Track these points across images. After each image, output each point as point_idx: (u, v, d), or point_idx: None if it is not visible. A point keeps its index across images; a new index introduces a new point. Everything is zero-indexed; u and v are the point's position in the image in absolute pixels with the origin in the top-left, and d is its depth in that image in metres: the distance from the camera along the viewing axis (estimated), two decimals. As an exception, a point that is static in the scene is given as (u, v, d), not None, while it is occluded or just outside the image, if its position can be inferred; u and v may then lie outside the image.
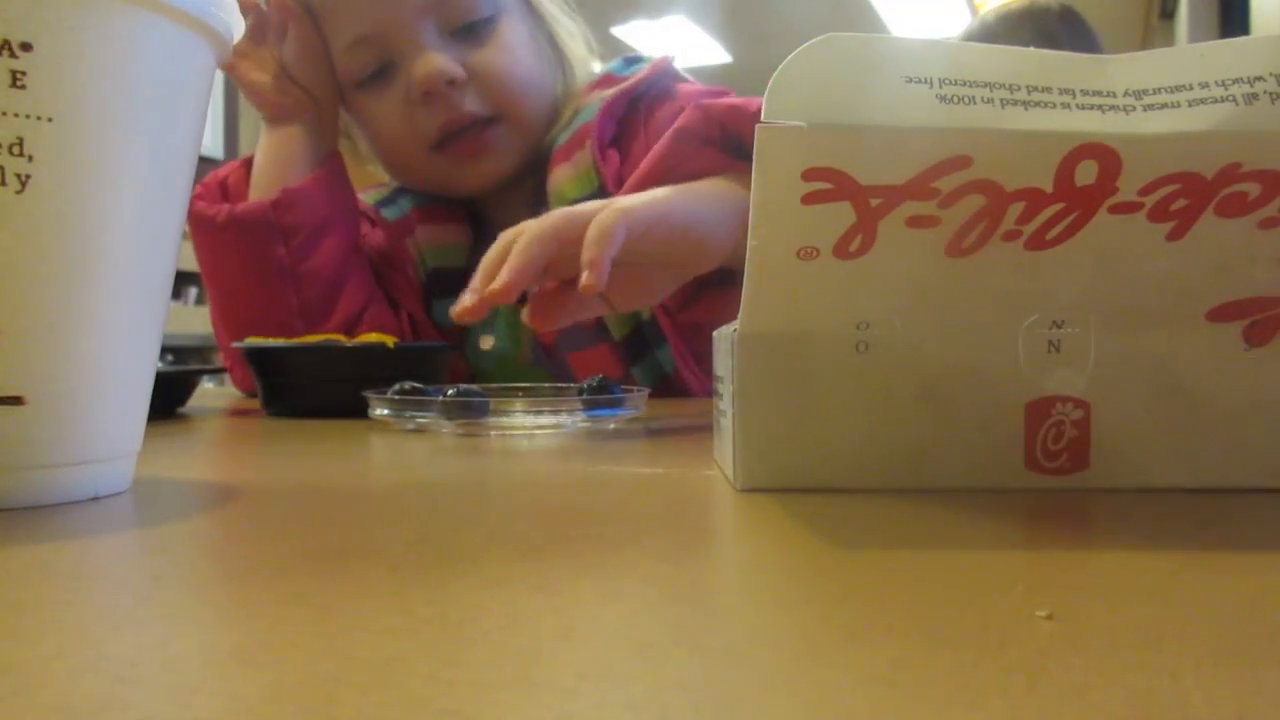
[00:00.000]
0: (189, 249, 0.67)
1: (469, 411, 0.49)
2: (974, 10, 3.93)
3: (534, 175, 0.81)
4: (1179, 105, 0.24)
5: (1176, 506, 0.27)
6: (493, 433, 0.48)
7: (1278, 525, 0.25)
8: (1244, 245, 0.26)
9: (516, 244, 0.49)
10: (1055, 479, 0.29)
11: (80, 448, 0.28)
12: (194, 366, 0.77)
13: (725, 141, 0.60)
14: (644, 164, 0.62)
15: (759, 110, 0.59)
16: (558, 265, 0.50)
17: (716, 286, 0.63)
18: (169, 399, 0.62)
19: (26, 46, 0.25)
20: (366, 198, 0.87)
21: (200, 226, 0.73)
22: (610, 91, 0.79)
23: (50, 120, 0.25)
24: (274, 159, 0.77)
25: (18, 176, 0.25)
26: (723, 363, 0.32)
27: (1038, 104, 0.24)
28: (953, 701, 0.13)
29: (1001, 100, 0.24)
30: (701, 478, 0.32)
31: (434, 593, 0.18)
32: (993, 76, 0.24)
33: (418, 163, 0.79)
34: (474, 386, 0.52)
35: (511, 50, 0.77)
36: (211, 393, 0.95)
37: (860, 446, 0.29)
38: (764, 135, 0.24)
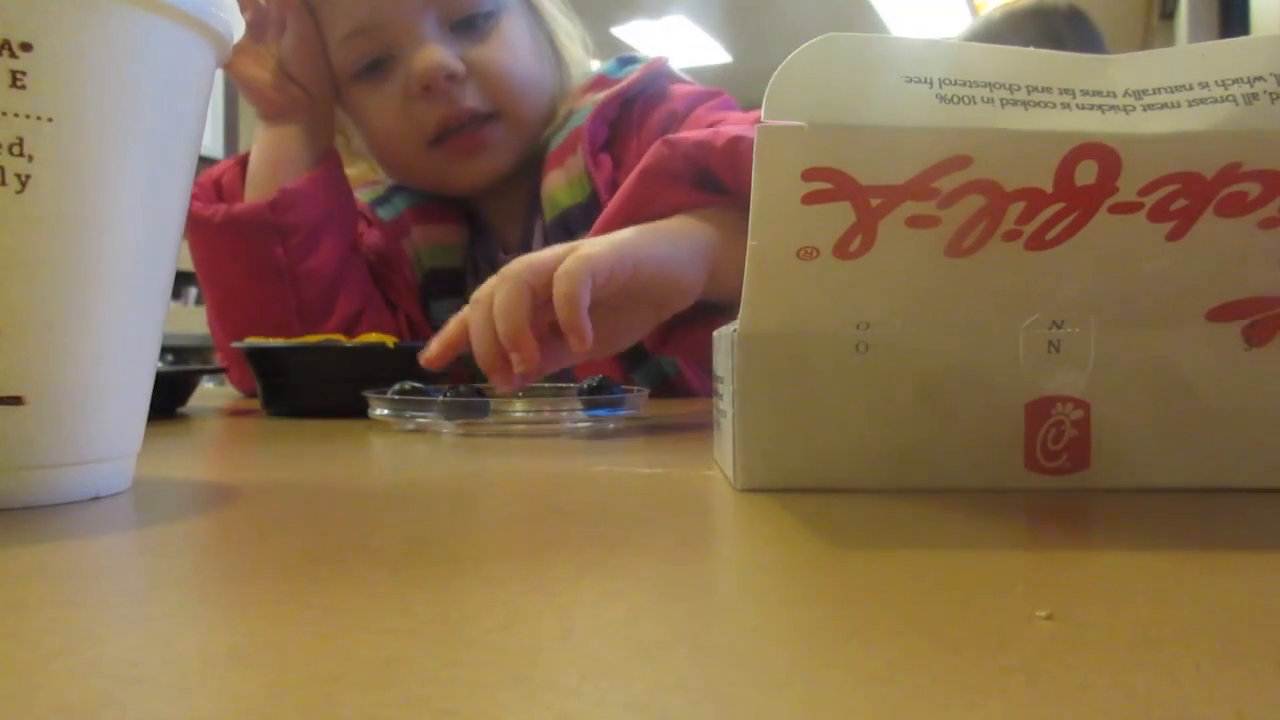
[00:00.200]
0: (187, 249, 0.67)
1: (469, 411, 0.49)
2: (974, 10, 3.93)
3: (529, 177, 0.81)
4: (1179, 105, 0.24)
5: (1176, 506, 0.27)
6: (493, 433, 0.48)
7: (1278, 525, 0.25)
8: (1244, 245, 0.26)
9: (497, 306, 0.47)
10: (1055, 479, 0.29)
11: (80, 448, 0.28)
12: (194, 366, 0.77)
13: (693, 176, 0.59)
14: (611, 204, 0.60)
15: (729, 142, 0.57)
16: (534, 317, 0.49)
17: (690, 322, 0.62)
18: (169, 399, 0.62)
19: (26, 46, 0.25)
20: (362, 196, 0.86)
21: (196, 227, 0.72)
22: (602, 95, 0.78)
23: (50, 120, 0.25)
24: (270, 157, 0.76)
25: (18, 176, 0.25)
26: (723, 363, 0.32)
27: (1038, 104, 0.24)
28: (953, 701, 0.13)
29: (1001, 100, 0.24)
30: (701, 478, 0.32)
31: (434, 593, 0.18)
32: (993, 76, 0.24)
33: (414, 159, 0.78)
34: (476, 386, 0.52)
35: (512, 47, 0.77)
36: (211, 393, 0.95)
37: (860, 446, 0.29)
38: (764, 135, 0.24)
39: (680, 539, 0.24)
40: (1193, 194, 0.25)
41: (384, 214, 0.85)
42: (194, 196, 0.75)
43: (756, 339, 0.29)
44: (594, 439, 0.46)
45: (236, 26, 0.31)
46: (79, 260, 0.26)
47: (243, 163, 0.79)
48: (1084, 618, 0.16)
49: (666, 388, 0.76)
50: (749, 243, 0.26)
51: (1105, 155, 0.24)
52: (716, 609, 0.18)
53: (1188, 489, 0.28)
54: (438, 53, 0.72)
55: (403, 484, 0.33)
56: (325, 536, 0.24)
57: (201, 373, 0.70)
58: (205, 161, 0.57)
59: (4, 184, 0.25)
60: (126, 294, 0.28)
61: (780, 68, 0.24)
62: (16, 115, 0.25)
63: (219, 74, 0.33)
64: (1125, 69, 0.25)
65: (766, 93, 0.24)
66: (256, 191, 0.75)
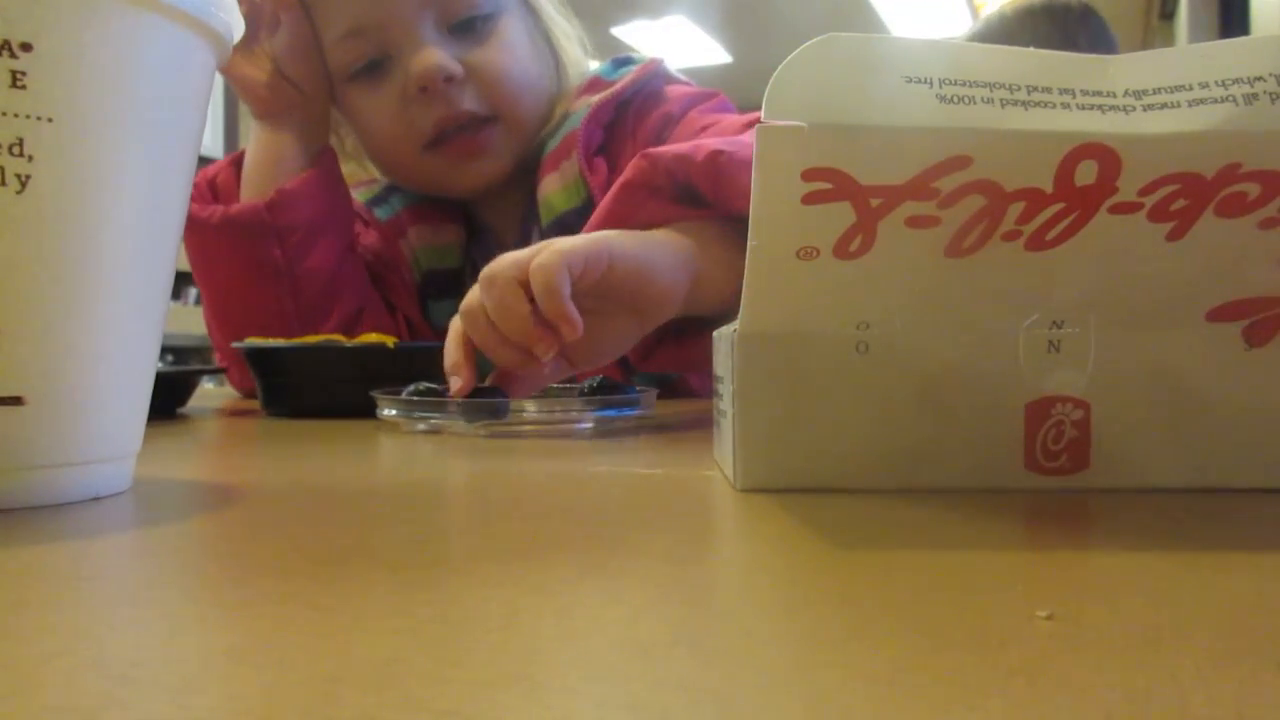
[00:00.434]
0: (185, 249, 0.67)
1: (489, 413, 0.48)
2: (974, 10, 3.93)
3: (525, 180, 0.80)
4: (1179, 105, 0.24)
5: (1176, 506, 0.27)
6: (503, 433, 0.48)
7: (1278, 525, 0.25)
8: (1244, 245, 0.26)
9: (492, 312, 0.47)
10: (1055, 479, 0.29)
11: (80, 448, 0.28)
12: (194, 366, 0.77)
13: (674, 190, 0.58)
14: (593, 217, 0.59)
15: (709, 156, 0.57)
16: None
17: (674, 337, 0.61)
18: (169, 399, 0.62)
19: (26, 46, 0.25)
20: (358, 196, 0.86)
21: (193, 228, 0.72)
22: (597, 98, 0.78)
23: (50, 120, 0.25)
24: (265, 157, 0.76)
25: (18, 176, 0.25)
26: (723, 363, 0.32)
27: (1038, 104, 0.24)
28: (953, 701, 0.13)
29: (1001, 100, 0.24)
30: (701, 478, 0.32)
31: (434, 593, 0.18)
32: (993, 76, 0.24)
33: (411, 161, 0.78)
34: (485, 385, 0.51)
35: (511, 49, 0.76)
36: (211, 393, 0.95)
37: (860, 446, 0.29)
38: (764, 135, 0.24)
39: (680, 539, 0.24)
40: (1193, 194, 0.25)
41: (381, 214, 0.85)
42: (190, 198, 0.75)
43: (756, 339, 0.29)
44: (594, 440, 0.46)
45: (236, 26, 0.31)
46: (79, 260, 0.26)
47: (237, 163, 0.78)
48: (1084, 618, 0.16)
49: (667, 389, 0.76)
50: (749, 243, 0.26)
51: (1105, 155, 0.24)
52: (716, 609, 0.18)
53: (1188, 489, 0.28)
54: (436, 54, 0.72)
55: (403, 484, 0.33)
56: (325, 536, 0.24)
57: (201, 373, 0.70)
58: (204, 161, 0.56)
59: (4, 184, 0.25)
60: (126, 294, 0.28)
61: (780, 68, 0.24)
62: (16, 115, 0.25)
63: (218, 74, 0.33)
64: (1125, 69, 0.25)
65: (766, 93, 0.24)
66: (252, 192, 0.75)
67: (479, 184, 0.79)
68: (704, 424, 0.43)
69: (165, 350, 0.54)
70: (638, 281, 0.50)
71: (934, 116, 0.24)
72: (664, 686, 0.13)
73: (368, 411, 0.54)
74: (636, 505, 0.28)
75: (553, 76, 0.81)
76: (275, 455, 0.43)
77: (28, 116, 0.25)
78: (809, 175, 0.24)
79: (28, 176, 0.25)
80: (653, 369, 0.65)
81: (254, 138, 0.77)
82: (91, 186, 0.26)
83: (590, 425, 0.50)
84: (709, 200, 0.57)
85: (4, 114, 0.24)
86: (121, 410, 0.29)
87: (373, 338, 0.61)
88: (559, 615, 0.17)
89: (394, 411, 0.51)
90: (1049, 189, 0.25)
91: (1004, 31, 1.31)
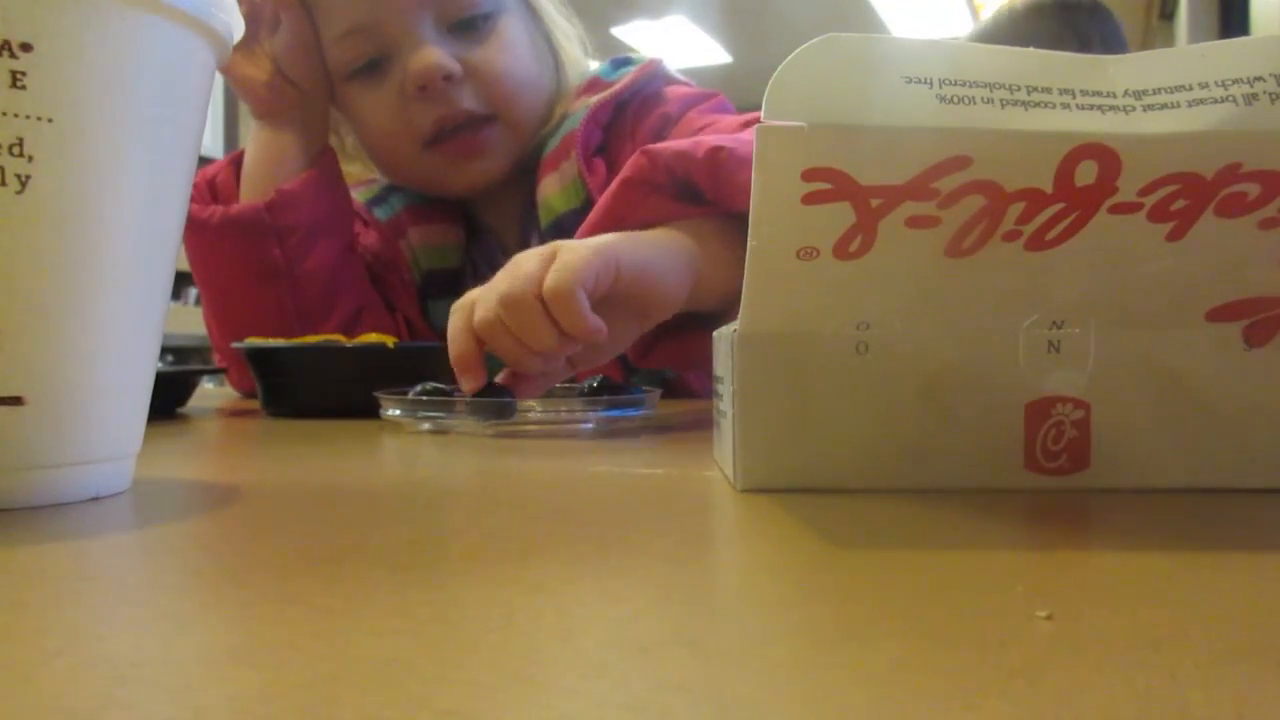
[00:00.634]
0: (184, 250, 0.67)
1: (497, 412, 0.48)
2: (974, 10, 3.93)
3: (525, 180, 0.80)
4: (1179, 105, 0.24)
5: (1176, 506, 0.27)
6: (507, 433, 0.48)
7: (1278, 525, 0.25)
8: (1244, 245, 0.26)
9: (522, 335, 0.47)
10: (1055, 479, 0.29)
11: (80, 448, 0.28)
12: (194, 366, 0.77)
13: (673, 188, 0.58)
14: (592, 214, 0.59)
15: (708, 153, 0.57)
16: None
17: (673, 334, 0.61)
18: (169, 399, 0.62)
19: (26, 47, 0.25)
20: (358, 196, 0.86)
21: (192, 228, 0.72)
22: (595, 98, 0.78)
23: (50, 120, 0.25)
24: (265, 157, 0.76)
25: (18, 177, 0.25)
26: (723, 363, 0.32)
27: (1038, 104, 0.24)
28: (953, 701, 0.13)
29: (1001, 100, 0.24)
30: (701, 478, 0.32)
31: (434, 593, 0.18)
32: (993, 76, 0.24)
33: (409, 160, 0.78)
34: (494, 384, 0.50)
35: (510, 49, 0.76)
36: (211, 393, 0.95)
37: (860, 446, 0.29)
38: (764, 135, 0.24)
39: (680, 539, 0.24)
40: (1192, 194, 0.25)
41: (380, 214, 0.85)
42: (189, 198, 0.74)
43: (756, 339, 0.29)
44: (595, 440, 0.46)
45: (236, 26, 0.31)
46: (79, 260, 0.26)
47: (236, 162, 0.78)
48: (1084, 618, 0.16)
49: (668, 389, 0.76)
50: (749, 243, 0.26)
51: (1105, 155, 0.24)
52: (716, 609, 0.18)
53: (1188, 489, 0.28)
54: (435, 54, 0.71)
55: (403, 484, 0.33)
56: (325, 536, 0.24)
57: (201, 373, 0.70)
58: (204, 161, 0.57)
59: (4, 184, 0.25)
60: (126, 294, 0.28)
61: (780, 68, 0.24)
62: (16, 115, 0.25)
63: (218, 73, 0.33)
64: (1125, 69, 0.25)
65: (766, 93, 0.24)
66: (252, 192, 0.75)
67: (478, 183, 0.79)
68: (704, 424, 0.43)
69: (165, 350, 0.54)
70: (643, 287, 0.51)
71: (934, 116, 0.24)
72: (664, 686, 0.13)
73: (368, 411, 0.54)
74: (636, 505, 0.28)
75: (552, 76, 0.81)
76: (275, 455, 0.43)
77: (28, 116, 0.25)
78: (809, 175, 0.24)
79: (28, 176, 0.25)
80: (652, 365, 0.65)
81: (253, 138, 0.77)
82: (91, 186, 0.26)
83: (591, 425, 0.50)
84: (709, 197, 0.57)
85: (4, 114, 0.24)
86: (121, 410, 0.29)
87: (373, 338, 0.61)
88: (559, 615, 0.17)
89: (398, 411, 0.51)
90: (1049, 189, 0.25)
91: (1014, 28, 1.31)
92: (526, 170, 0.80)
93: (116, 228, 0.27)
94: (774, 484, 0.29)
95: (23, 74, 0.25)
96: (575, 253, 0.47)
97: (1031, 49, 0.25)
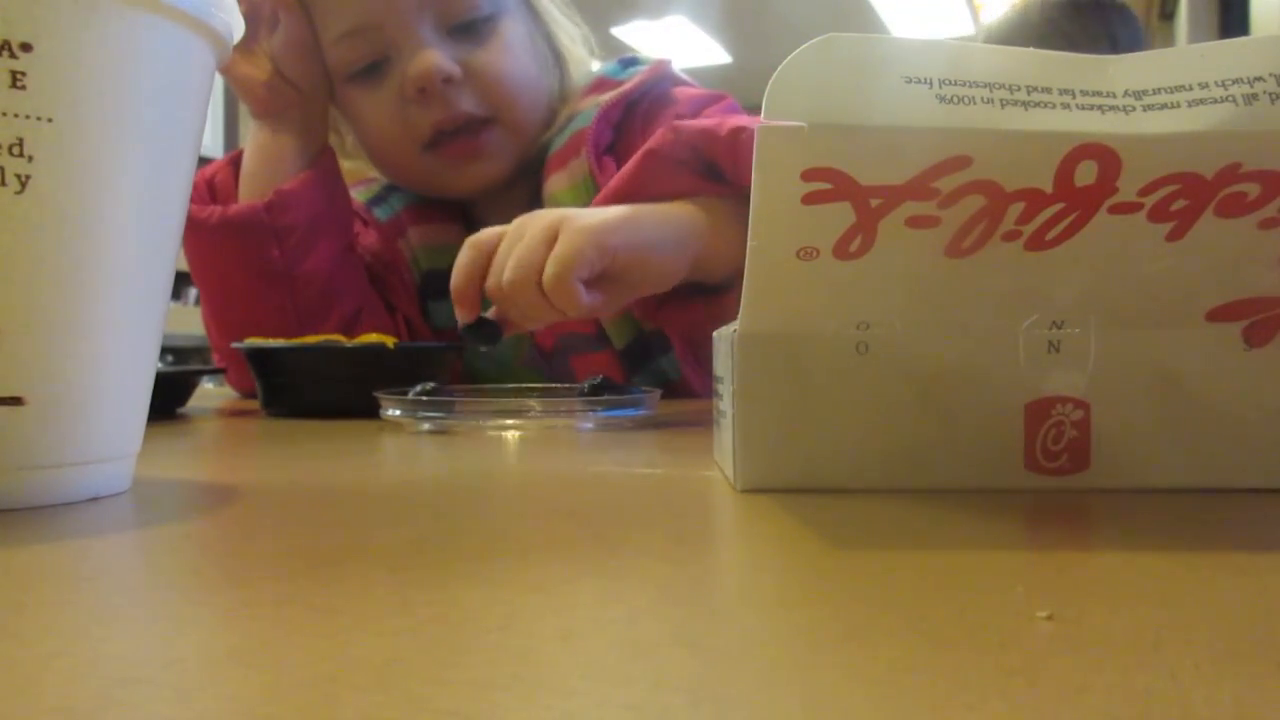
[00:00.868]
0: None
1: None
2: (974, 10, 3.93)
3: (528, 180, 0.80)
4: (1179, 105, 0.24)
5: (1176, 506, 0.27)
6: (504, 429, 0.49)
7: (1278, 525, 0.25)
8: (1244, 245, 0.26)
9: (519, 310, 0.54)
10: (1055, 479, 0.29)
11: (80, 448, 0.28)
12: (194, 366, 0.77)
13: (696, 164, 0.61)
14: (614, 181, 0.62)
15: (731, 132, 0.61)
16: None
17: (683, 298, 0.65)
18: (169, 399, 0.62)
19: (26, 46, 0.25)
20: (358, 195, 0.85)
21: (191, 229, 0.71)
22: (606, 97, 0.78)
23: (50, 120, 0.25)
24: (264, 157, 0.76)
25: (18, 177, 0.25)
26: (723, 363, 0.32)
27: (1038, 104, 0.24)
28: (953, 702, 0.13)
29: (1001, 100, 0.24)
30: (701, 478, 0.32)
31: (434, 593, 0.18)
32: (992, 77, 0.24)
33: (409, 161, 0.78)
34: (485, 317, 0.56)
35: (511, 51, 0.76)
36: (211, 393, 0.95)
37: (860, 447, 0.29)
38: (764, 135, 0.24)
39: (680, 539, 0.24)
40: (1192, 194, 0.25)
41: (380, 214, 0.85)
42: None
43: (756, 339, 0.29)
44: (594, 439, 0.46)
45: (236, 27, 0.31)
46: (79, 260, 0.26)
47: (235, 162, 0.78)
48: (1084, 618, 0.16)
49: (667, 390, 0.76)
50: (749, 243, 0.26)
51: (1105, 155, 0.24)
52: (716, 609, 0.18)
53: (1188, 489, 0.28)
54: (434, 56, 0.71)
55: (403, 484, 0.33)
56: (325, 536, 0.24)
57: (201, 373, 0.70)
58: (204, 161, 0.57)
59: (4, 184, 0.25)
60: (126, 294, 0.28)
61: (780, 68, 0.24)
62: (16, 115, 0.25)
63: (218, 73, 0.33)
64: (1125, 69, 0.25)
65: (766, 93, 0.24)
66: (251, 192, 0.75)
67: (477, 185, 0.79)
68: (704, 424, 0.43)
69: (165, 350, 0.54)
70: (634, 265, 0.56)
71: (934, 117, 0.24)
72: (664, 686, 0.13)
73: (367, 411, 0.54)
74: (636, 505, 0.28)
75: (554, 77, 0.81)
76: (275, 455, 0.43)
77: (28, 116, 0.25)
78: (809, 175, 0.24)
79: (28, 176, 0.25)
80: (660, 324, 0.70)
81: (252, 137, 0.77)
82: (91, 186, 0.26)
83: (591, 425, 0.50)
84: (729, 176, 0.59)
85: (4, 114, 0.24)
86: (121, 410, 0.29)
87: (373, 338, 0.61)
88: (559, 615, 0.17)
89: (398, 411, 0.51)
90: (1049, 189, 0.25)
91: (1045, 22, 1.31)
92: (530, 170, 0.80)
93: (116, 228, 0.27)
94: (774, 484, 0.29)
95: (23, 74, 0.25)
96: (572, 242, 0.52)
97: (1031, 49, 0.25)
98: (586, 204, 0.76)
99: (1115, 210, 0.25)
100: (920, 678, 0.14)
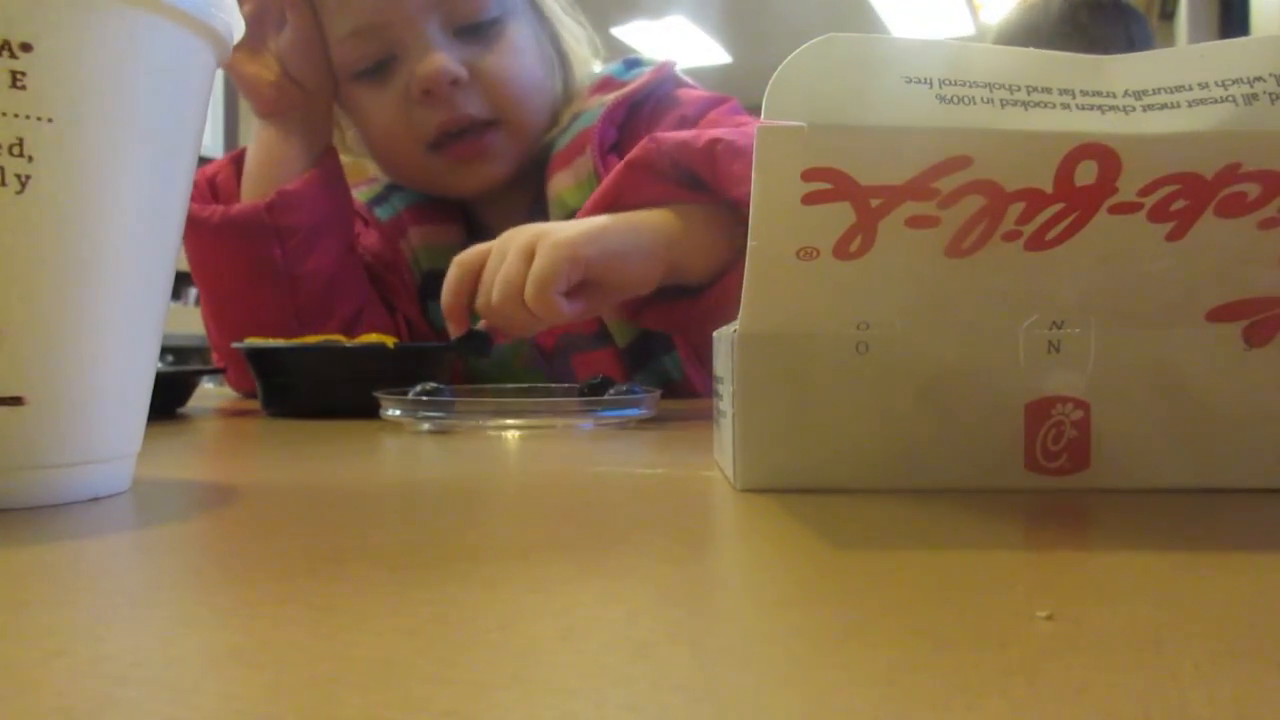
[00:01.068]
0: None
1: (475, 411, 0.50)
2: (973, 10, 3.93)
3: (531, 179, 0.80)
4: (1179, 105, 0.24)
5: (1176, 506, 0.27)
6: (504, 428, 0.49)
7: (1278, 525, 0.25)
8: (1244, 245, 0.26)
9: (505, 325, 0.58)
10: (1055, 479, 0.29)
11: (80, 448, 0.28)
12: (194, 367, 0.77)
13: (676, 174, 0.63)
14: (597, 192, 0.65)
15: (708, 144, 0.64)
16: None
17: (667, 298, 0.67)
18: (169, 399, 0.62)
19: (26, 46, 0.25)
20: (359, 195, 0.86)
21: (192, 228, 0.72)
22: (611, 97, 0.78)
23: (50, 120, 0.25)
24: (267, 156, 0.76)
25: (18, 177, 0.25)
26: (723, 363, 0.32)
27: (1038, 104, 0.24)
28: (953, 701, 0.13)
29: (1001, 100, 0.24)
30: (701, 478, 0.32)
31: (434, 593, 0.18)
32: (992, 77, 0.24)
33: (412, 161, 0.78)
34: (475, 329, 0.59)
35: (517, 54, 0.76)
36: (211, 393, 0.95)
37: (860, 446, 0.29)
38: (764, 135, 0.24)
39: (680, 539, 0.24)
40: (1192, 194, 0.25)
41: (381, 214, 0.85)
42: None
43: (756, 339, 0.29)
44: (594, 439, 0.46)
45: (236, 26, 0.31)
46: (79, 260, 0.26)
47: (237, 161, 0.78)
48: (1084, 618, 0.16)
49: (670, 389, 0.76)
50: (749, 243, 0.26)
51: (1105, 155, 0.24)
52: (716, 609, 0.18)
53: (1188, 489, 0.28)
54: (442, 58, 0.72)
55: (403, 484, 0.33)
56: (325, 536, 0.24)
57: (201, 373, 0.70)
58: (204, 161, 0.57)
59: (4, 184, 0.25)
60: (127, 294, 0.28)
61: (780, 68, 0.24)
62: (16, 115, 0.25)
63: (219, 73, 0.33)
64: (1125, 69, 0.25)
65: (766, 93, 0.24)
66: (253, 191, 0.75)
67: (480, 186, 0.79)
68: (704, 424, 0.43)
69: (165, 350, 0.54)
70: (610, 274, 0.59)
71: (934, 117, 0.24)
72: (664, 686, 0.13)
73: (367, 411, 0.54)
74: (636, 505, 0.28)
75: (558, 79, 0.81)
76: (275, 455, 0.43)
77: (28, 116, 0.25)
78: (809, 175, 0.24)
79: (28, 176, 0.25)
80: (645, 324, 0.72)
81: (256, 136, 0.77)
82: (91, 186, 0.26)
83: (591, 425, 0.50)
84: (709, 185, 0.62)
85: (4, 114, 0.24)
86: (121, 410, 0.29)
87: (373, 338, 0.61)
88: (558, 615, 0.17)
89: (398, 411, 0.51)
90: (1049, 189, 0.25)
91: (1065, 20, 1.30)
92: (534, 170, 0.80)
93: (116, 228, 0.27)
94: (774, 484, 0.29)
95: (23, 74, 0.25)
96: (548, 256, 0.56)
97: (1031, 49, 0.25)
98: None
99: (1115, 210, 0.25)
100: (920, 678, 0.14)
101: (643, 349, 0.77)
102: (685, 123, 0.76)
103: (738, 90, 0.83)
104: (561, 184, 0.78)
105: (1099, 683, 0.13)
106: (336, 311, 0.75)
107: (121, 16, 0.26)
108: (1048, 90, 0.24)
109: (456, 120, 0.74)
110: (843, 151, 0.24)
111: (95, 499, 0.29)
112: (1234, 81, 0.24)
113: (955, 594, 0.18)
